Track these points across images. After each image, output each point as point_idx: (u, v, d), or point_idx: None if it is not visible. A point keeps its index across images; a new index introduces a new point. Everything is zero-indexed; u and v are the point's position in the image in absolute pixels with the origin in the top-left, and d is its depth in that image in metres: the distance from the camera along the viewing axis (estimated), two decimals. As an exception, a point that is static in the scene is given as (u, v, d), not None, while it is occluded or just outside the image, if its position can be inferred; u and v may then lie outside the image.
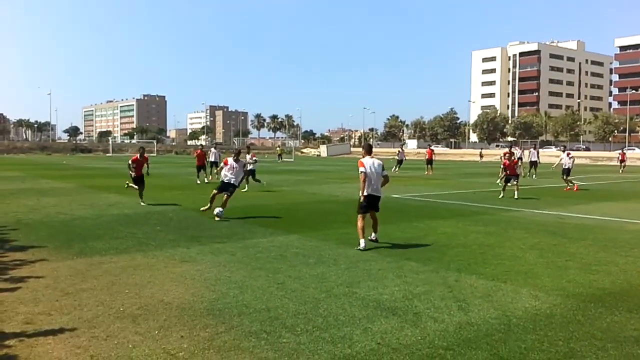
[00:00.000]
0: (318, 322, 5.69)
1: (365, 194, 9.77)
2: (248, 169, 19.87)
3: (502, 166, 20.30)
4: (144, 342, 5.09)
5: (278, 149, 77.86)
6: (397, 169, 35.61)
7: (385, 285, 7.18)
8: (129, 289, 6.92)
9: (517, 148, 42.80)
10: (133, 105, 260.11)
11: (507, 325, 5.65)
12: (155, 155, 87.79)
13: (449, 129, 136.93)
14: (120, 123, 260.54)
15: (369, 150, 10.29)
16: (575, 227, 12.51)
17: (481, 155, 70.59)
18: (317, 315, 5.91)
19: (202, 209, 14.25)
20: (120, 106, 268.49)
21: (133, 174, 16.53)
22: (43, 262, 8.41)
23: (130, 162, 16.65)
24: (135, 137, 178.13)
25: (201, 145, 32.00)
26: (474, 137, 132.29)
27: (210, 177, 27.34)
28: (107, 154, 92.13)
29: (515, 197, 18.57)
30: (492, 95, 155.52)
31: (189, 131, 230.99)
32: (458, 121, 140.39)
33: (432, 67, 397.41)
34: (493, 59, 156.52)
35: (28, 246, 9.67)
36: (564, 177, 23.04)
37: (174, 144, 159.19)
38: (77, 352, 4.83)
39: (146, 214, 13.99)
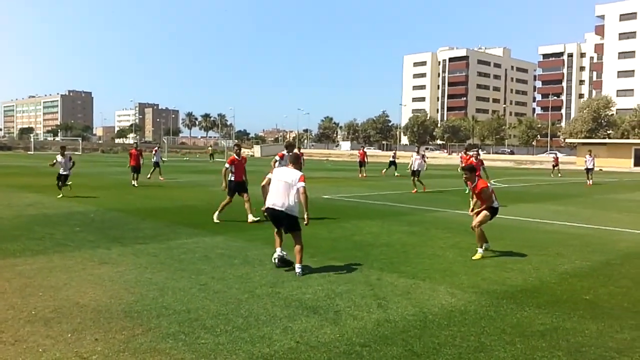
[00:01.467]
0: (238, 322, 5.68)
1: (265, 206, 8.12)
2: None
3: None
4: (55, 345, 4.93)
5: (210, 148, 76.81)
6: (394, 171, 35.40)
7: (309, 284, 7.24)
8: (43, 291, 6.67)
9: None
10: (57, 101, 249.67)
11: (423, 321, 5.84)
12: (80, 153, 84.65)
13: (381, 132, 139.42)
14: (44, 119, 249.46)
15: (294, 161, 8.25)
16: (494, 227, 12.96)
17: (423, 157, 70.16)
18: (238, 315, 5.90)
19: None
20: (44, 102, 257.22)
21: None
22: (-50, 265, 7.96)
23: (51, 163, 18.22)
24: (59, 134, 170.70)
25: (135, 143, 29.46)
26: (405, 140, 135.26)
27: (150, 176, 26.64)
28: (29, 152, 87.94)
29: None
30: (422, 99, 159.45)
31: (116, 129, 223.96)
32: (390, 124, 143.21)
33: (365, 70, 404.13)
34: (424, 63, 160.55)
35: None
36: (414, 178, 22.56)
37: (100, 142, 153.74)
38: (-19, 358, 4.62)
39: (67, 215, 13.47)
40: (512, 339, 5.38)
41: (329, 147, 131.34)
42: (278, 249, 8.24)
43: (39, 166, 38.79)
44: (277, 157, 13.29)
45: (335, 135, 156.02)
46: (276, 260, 8.19)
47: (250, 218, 12.75)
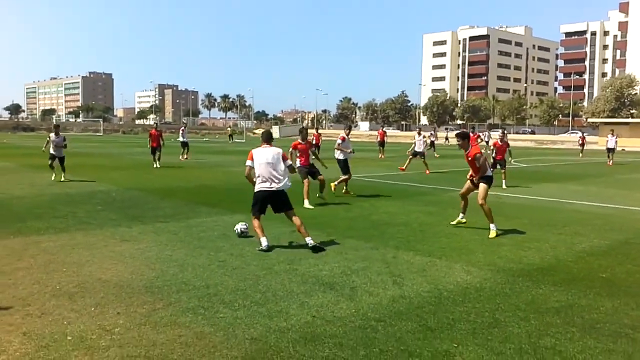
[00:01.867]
0: (256, 297, 5.80)
1: (255, 190, 8.38)
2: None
3: (492, 147, 18.18)
4: (80, 318, 5.09)
5: (229, 129, 77.07)
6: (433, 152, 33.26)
7: (325, 262, 7.34)
8: (67, 267, 6.86)
9: (485, 132, 42.60)
10: (79, 82, 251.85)
11: (438, 298, 5.90)
12: (101, 134, 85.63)
13: (400, 112, 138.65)
14: (65, 101, 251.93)
15: (267, 139, 8.54)
16: (513, 207, 13.01)
17: (447, 138, 65.89)
18: (255, 291, 6.02)
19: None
20: (65, 84, 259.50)
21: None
22: (-23, 242, 8.20)
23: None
24: (80, 115, 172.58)
25: (155, 124, 27.61)
26: (424, 120, 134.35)
27: (183, 157, 27.16)
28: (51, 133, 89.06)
29: (503, 186, 16.80)
30: (442, 78, 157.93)
31: (137, 110, 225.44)
32: (409, 104, 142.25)
33: (384, 50, 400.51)
34: (444, 42, 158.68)
35: (-38, 226, 9.39)
36: (419, 157, 22.54)
37: (121, 123, 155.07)
38: (9, 330, 4.79)
39: (89, 194, 13.73)
40: (526, 315, 5.43)
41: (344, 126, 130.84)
42: (265, 239, 8.05)
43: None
44: (339, 140, 14.46)
45: (353, 115, 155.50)
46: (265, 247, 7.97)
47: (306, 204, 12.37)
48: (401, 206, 12.76)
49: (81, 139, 62.26)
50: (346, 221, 10.61)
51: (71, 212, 10.93)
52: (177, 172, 20.91)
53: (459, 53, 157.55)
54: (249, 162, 8.36)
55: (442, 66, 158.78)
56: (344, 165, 14.38)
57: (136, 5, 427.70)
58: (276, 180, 8.21)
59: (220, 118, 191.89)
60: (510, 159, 29.11)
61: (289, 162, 8.53)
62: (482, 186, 9.70)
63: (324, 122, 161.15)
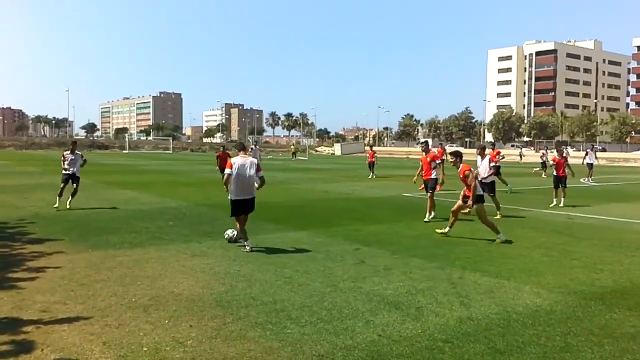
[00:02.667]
0: (322, 314, 5.88)
1: (232, 198, 9.21)
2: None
3: (551, 162, 17.94)
4: (154, 330, 5.32)
5: (292, 147, 78.07)
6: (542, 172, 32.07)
7: (390, 280, 7.34)
8: (142, 280, 7.17)
9: (543, 150, 40.84)
10: (149, 102, 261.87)
11: (507, 320, 5.80)
12: (171, 152, 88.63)
13: (464, 129, 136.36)
14: (137, 120, 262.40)
15: (241, 148, 9.57)
16: (583, 227, 12.57)
17: (521, 156, 64.87)
18: (321, 308, 6.10)
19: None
20: (137, 103, 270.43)
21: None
22: (59, 254, 8.69)
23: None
24: (151, 134, 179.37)
25: (222, 146, 26.30)
26: (489, 137, 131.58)
27: None
28: (124, 151, 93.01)
29: (561, 204, 16.50)
30: (507, 94, 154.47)
31: (204, 129, 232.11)
32: (473, 120, 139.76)
33: (447, 66, 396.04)
34: (509, 57, 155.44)
35: (45, 239, 9.97)
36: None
37: (189, 141, 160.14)
38: (90, 339, 5.07)
39: (161, 210, 14.27)
40: (600, 340, 5.25)
41: (409, 144, 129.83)
42: (249, 242, 9.23)
43: (135, 164, 41.03)
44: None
45: (415, 132, 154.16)
46: (249, 248, 9.10)
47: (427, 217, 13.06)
48: (465, 225, 12.55)
49: (152, 156, 64.73)
50: (410, 239, 10.56)
51: (145, 227, 11.41)
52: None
53: (525, 68, 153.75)
54: (228, 171, 9.15)
55: (508, 82, 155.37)
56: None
57: (204, 27, 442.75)
58: (251, 189, 9.27)
59: (284, 136, 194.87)
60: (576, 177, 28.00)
61: (261, 173, 9.41)
62: (477, 208, 10.41)
63: (386, 139, 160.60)
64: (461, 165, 10.50)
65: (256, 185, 9.42)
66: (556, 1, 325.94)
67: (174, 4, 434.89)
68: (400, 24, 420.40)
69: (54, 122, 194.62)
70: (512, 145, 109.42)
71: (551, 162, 17.92)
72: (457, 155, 10.79)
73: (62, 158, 14.60)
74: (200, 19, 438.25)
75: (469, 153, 14.77)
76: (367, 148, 27.78)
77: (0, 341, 4.99)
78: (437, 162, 13.92)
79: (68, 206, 13.93)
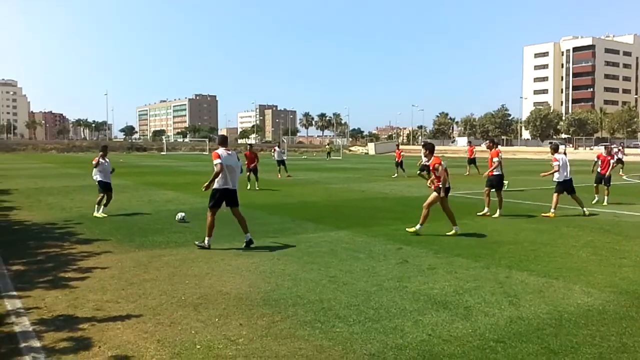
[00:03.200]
0: (370, 313, 5.87)
1: (219, 187, 9.39)
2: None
3: (595, 159, 17.64)
4: (206, 328, 5.40)
5: (327, 147, 78.16)
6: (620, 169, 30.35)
7: (435, 280, 7.29)
8: (189, 279, 7.29)
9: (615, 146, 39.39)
10: (185, 104, 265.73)
11: (558, 320, 5.69)
12: (207, 153, 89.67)
13: (500, 126, 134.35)
14: (173, 122, 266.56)
15: (223, 142, 9.83)
16: (632, 226, 12.25)
17: (565, 153, 62.53)
18: (368, 307, 6.10)
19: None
20: (173, 106, 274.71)
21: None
22: (107, 254, 8.90)
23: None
24: (188, 136, 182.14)
25: (249, 145, 26.53)
26: (526, 134, 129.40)
27: (280, 175, 28.04)
28: (161, 152, 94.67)
29: (605, 202, 16.31)
30: (544, 91, 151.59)
31: (239, 130, 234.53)
32: (509, 118, 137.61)
33: (482, 63, 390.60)
34: (545, 54, 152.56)
35: (93, 239, 10.22)
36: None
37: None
38: (144, 337, 5.17)
39: (202, 210, 14.39)
40: (658, 341, 5.11)
41: (444, 143, 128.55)
42: (208, 239, 9.40)
43: (173, 165, 41.69)
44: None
45: (450, 131, 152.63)
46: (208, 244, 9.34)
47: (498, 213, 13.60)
48: (508, 223, 12.39)
49: (189, 158, 65.69)
50: (452, 239, 10.46)
51: (188, 227, 11.59)
52: (280, 189, 21.52)
53: (562, 65, 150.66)
54: (217, 161, 9.30)
55: (545, 78, 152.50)
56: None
57: (238, 30, 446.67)
58: (234, 181, 9.56)
59: (317, 136, 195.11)
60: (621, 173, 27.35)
61: (240, 163, 9.92)
62: (434, 194, 10.92)
63: (420, 138, 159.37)
64: (432, 158, 11.08)
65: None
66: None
67: (208, 8, 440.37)
68: (434, 21, 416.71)
69: (93, 125, 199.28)
70: (550, 143, 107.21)
71: (595, 159, 17.60)
72: (426, 147, 11.56)
73: (98, 162, 13.65)
74: (234, 22, 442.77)
75: (506, 151, 14.52)
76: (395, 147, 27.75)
77: (59, 338, 5.14)
78: (497, 159, 14.00)
79: (104, 215, 13.26)
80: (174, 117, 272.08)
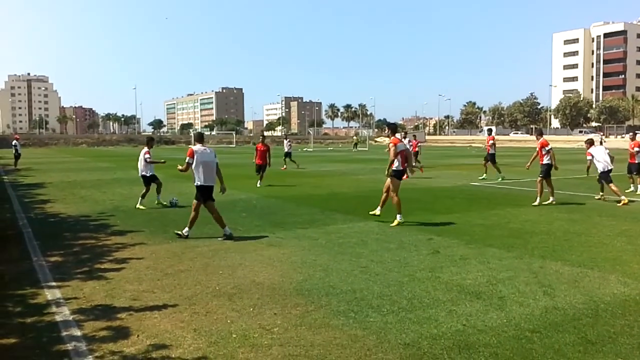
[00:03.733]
0: (403, 303, 5.88)
1: (197, 184, 9.57)
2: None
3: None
4: (241, 318, 5.48)
5: (354, 137, 77.82)
6: None
7: (468, 270, 7.26)
8: (223, 270, 7.39)
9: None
10: (212, 98, 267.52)
11: (594, 310, 5.62)
12: (234, 146, 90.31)
13: (529, 115, 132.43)
14: (201, 115, 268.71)
15: (199, 139, 10.10)
16: (668, 215, 11.98)
17: (601, 142, 57.80)
18: (401, 297, 6.11)
19: None
20: (200, 99, 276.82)
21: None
22: (142, 246, 9.06)
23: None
24: (215, 129, 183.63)
25: (262, 137, 22.85)
26: (555, 123, 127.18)
27: (285, 166, 28.04)
28: (189, 145, 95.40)
29: (638, 191, 16.18)
30: (574, 79, 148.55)
31: (265, 122, 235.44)
32: (539, 106, 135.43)
33: (510, 51, 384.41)
34: (575, 41, 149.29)
35: (127, 231, 10.41)
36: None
37: (251, 135, 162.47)
38: (181, 326, 5.27)
39: (231, 202, 14.59)
40: (699, 332, 5.01)
41: (471, 133, 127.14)
42: (187, 229, 9.68)
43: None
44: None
45: (478, 120, 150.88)
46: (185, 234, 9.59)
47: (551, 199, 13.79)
48: (541, 213, 12.24)
49: (217, 150, 66.03)
50: (483, 229, 10.38)
51: (218, 219, 11.69)
52: (308, 180, 21.58)
53: (593, 51, 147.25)
54: (189, 159, 9.54)
55: (574, 66, 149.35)
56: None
57: (262, 23, 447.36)
58: (212, 176, 9.67)
59: (343, 127, 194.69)
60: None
61: (217, 160, 9.92)
62: (388, 181, 11.08)
63: (447, 128, 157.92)
64: (392, 138, 11.30)
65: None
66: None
67: (233, 3, 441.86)
68: (459, 9, 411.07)
69: (122, 119, 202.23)
70: (580, 132, 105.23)
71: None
72: (390, 128, 11.73)
73: (148, 157, 14.30)
74: (260, 15, 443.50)
75: (535, 140, 14.38)
76: (411, 137, 27.35)
77: (98, 327, 5.27)
78: (548, 148, 14.15)
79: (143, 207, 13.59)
80: (201, 110, 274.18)
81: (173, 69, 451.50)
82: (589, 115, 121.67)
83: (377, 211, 11.47)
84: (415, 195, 16.17)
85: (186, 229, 9.69)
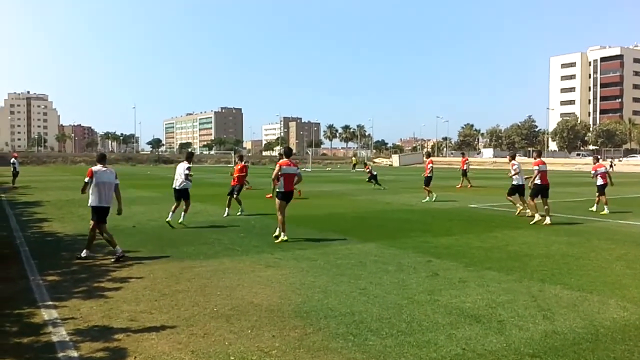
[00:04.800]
0: (402, 326, 5.85)
1: (92, 204, 9.65)
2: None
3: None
4: (239, 340, 5.44)
5: (353, 158, 77.94)
6: None
7: (467, 293, 7.23)
8: (220, 291, 7.34)
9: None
10: (211, 117, 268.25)
11: (594, 335, 5.60)
12: (232, 165, 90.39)
13: (526, 137, 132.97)
14: (199, 135, 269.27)
15: (100, 159, 10.09)
16: (666, 239, 11.98)
17: (611, 166, 54.68)
18: (400, 320, 6.07)
19: None
20: (199, 119, 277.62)
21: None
22: (140, 265, 9.02)
23: None
24: (213, 148, 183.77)
25: (240, 155, 21.13)
26: (553, 146, 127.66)
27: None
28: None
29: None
30: (572, 102, 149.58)
31: (264, 142, 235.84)
32: (536, 129, 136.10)
33: (508, 74, 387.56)
34: (572, 64, 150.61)
35: (124, 250, 10.34)
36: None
37: (249, 155, 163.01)
38: (178, 348, 5.23)
39: (230, 221, 14.60)
40: (700, 358, 4.99)
41: (469, 154, 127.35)
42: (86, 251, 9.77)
43: (200, 177, 41.84)
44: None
45: (476, 142, 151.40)
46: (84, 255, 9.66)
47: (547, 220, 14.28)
48: (538, 236, 12.23)
49: (215, 170, 66.24)
50: (481, 251, 10.37)
51: (217, 238, 11.68)
52: (306, 201, 21.55)
53: (590, 75, 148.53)
54: (88, 180, 9.62)
55: (572, 89, 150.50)
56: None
57: (262, 43, 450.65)
58: (108, 198, 9.74)
59: (341, 148, 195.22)
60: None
61: (117, 181, 10.04)
62: (277, 201, 11.60)
63: (445, 149, 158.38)
64: (281, 160, 11.69)
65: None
66: (620, 5, 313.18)
67: (233, 22, 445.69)
68: (458, 32, 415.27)
69: (121, 138, 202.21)
70: (578, 154, 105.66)
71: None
72: (285, 152, 12.23)
73: (189, 174, 14.66)
74: (258, 36, 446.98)
75: (532, 163, 14.54)
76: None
77: (95, 348, 5.22)
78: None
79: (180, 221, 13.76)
80: (200, 129, 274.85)
81: (172, 88, 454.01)
82: (586, 138, 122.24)
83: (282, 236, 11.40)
84: (414, 217, 16.17)
85: (85, 251, 9.70)
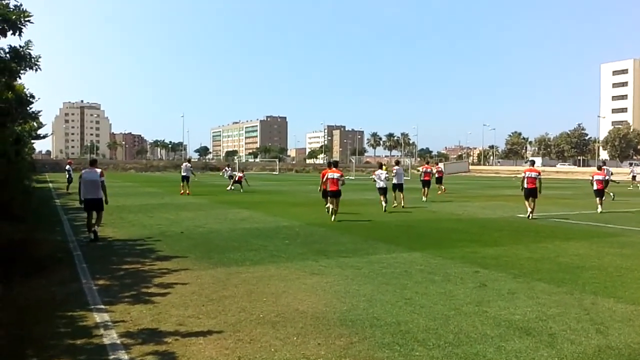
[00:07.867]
0: (449, 338, 5.76)
1: (82, 198, 12.50)
2: None
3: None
4: (285, 347, 5.46)
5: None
6: None
7: (516, 305, 7.07)
8: (266, 297, 7.40)
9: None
10: (257, 126, 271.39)
11: (652, 351, 5.38)
12: (277, 173, 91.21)
13: (576, 146, 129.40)
14: (245, 143, 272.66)
15: (92, 163, 12.90)
16: None
17: (634, 177, 52.23)
18: (447, 331, 5.98)
19: None
20: (245, 127, 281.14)
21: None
22: (187, 271, 9.18)
23: None
24: (258, 156, 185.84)
25: (228, 164, 20.80)
26: (604, 155, 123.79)
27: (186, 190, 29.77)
28: (235, 172, 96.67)
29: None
30: (624, 109, 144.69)
31: (307, 150, 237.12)
32: (586, 137, 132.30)
33: (557, 82, 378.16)
34: (625, 71, 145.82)
35: (172, 256, 10.57)
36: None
37: (294, 162, 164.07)
38: (225, 353, 5.29)
39: (275, 229, 14.70)
40: None
41: (517, 163, 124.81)
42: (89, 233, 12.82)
43: (260, 184, 42.49)
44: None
45: (524, 151, 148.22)
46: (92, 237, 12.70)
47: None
48: (590, 248, 11.86)
49: (260, 177, 66.95)
50: (531, 262, 10.12)
51: (262, 245, 11.79)
52: (350, 209, 21.50)
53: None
54: (79, 179, 12.62)
55: (624, 96, 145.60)
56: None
57: (307, 52, 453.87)
58: (94, 192, 12.45)
59: (385, 156, 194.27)
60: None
61: (103, 178, 12.59)
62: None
63: (492, 158, 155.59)
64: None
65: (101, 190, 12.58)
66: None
67: (279, 30, 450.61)
68: (505, 39, 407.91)
69: (170, 145, 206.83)
70: (630, 164, 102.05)
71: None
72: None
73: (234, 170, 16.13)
74: (304, 46, 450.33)
75: (581, 172, 14.15)
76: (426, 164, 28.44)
77: (145, 351, 5.33)
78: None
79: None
80: (245, 137, 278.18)
81: (220, 97, 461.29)
82: (639, 147, 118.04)
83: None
84: (462, 226, 15.93)
85: (89, 233, 12.44)
